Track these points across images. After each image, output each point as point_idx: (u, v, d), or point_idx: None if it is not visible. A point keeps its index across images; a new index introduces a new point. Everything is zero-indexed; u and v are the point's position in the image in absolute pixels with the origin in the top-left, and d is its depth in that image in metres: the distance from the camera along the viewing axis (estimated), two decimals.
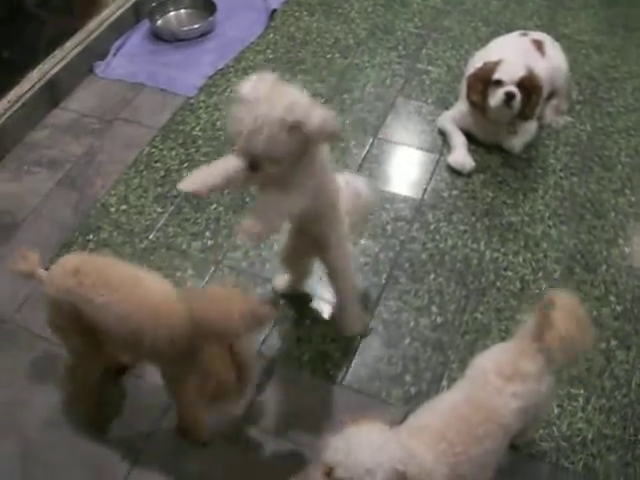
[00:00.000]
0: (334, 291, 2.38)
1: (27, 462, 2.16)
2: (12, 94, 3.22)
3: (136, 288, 1.91)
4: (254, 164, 1.77)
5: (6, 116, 3.16)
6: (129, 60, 3.67)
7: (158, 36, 3.81)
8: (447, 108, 3.33)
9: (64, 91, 3.48)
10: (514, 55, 3.05)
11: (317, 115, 1.73)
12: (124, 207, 2.92)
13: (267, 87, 1.75)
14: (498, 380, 1.79)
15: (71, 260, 1.99)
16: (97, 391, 2.22)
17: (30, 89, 3.29)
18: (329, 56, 3.68)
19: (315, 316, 2.56)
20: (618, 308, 2.58)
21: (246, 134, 1.71)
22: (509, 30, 3.53)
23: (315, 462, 1.65)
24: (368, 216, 2.57)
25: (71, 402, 2.26)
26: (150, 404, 2.27)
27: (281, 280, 2.58)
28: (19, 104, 3.22)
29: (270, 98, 1.71)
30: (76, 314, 1.92)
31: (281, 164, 1.77)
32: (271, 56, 3.68)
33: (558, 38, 3.46)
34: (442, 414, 1.78)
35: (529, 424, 1.93)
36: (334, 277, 2.31)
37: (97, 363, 2.14)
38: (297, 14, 3.99)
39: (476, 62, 3.18)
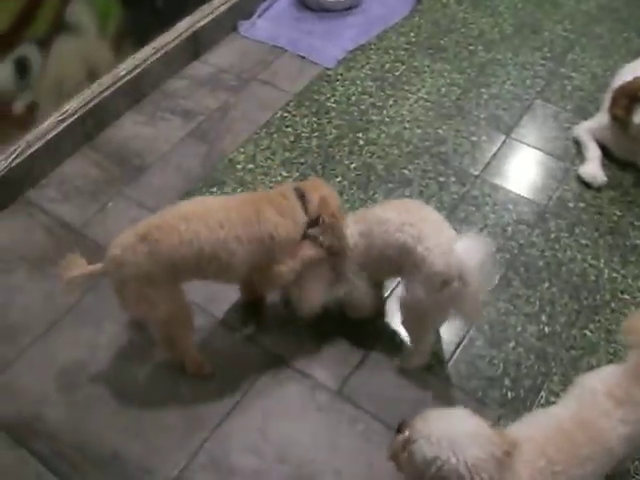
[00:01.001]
0: None
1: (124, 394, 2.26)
2: (158, 41, 3.32)
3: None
4: None
5: (149, 62, 3.26)
6: (273, 23, 3.72)
7: (304, 4, 3.84)
8: (585, 118, 3.23)
9: (207, 45, 3.56)
10: None
11: None
12: (251, 166, 2.97)
13: None
14: (608, 402, 1.74)
15: (135, 230, 2.01)
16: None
17: (175, 39, 3.38)
18: (472, 47, 3.63)
19: None
20: None
21: None
22: None
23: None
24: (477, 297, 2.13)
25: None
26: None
27: None
28: (162, 52, 3.32)
29: None
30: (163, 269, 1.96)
31: None
32: (414, 39, 3.65)
33: None
34: (545, 428, 1.73)
35: (631, 454, 1.87)
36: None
37: (189, 319, 2.17)
38: (445, 0, 3.94)
39: (625, 75, 3.06)
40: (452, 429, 1.54)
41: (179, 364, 2.28)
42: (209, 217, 1.99)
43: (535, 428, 1.75)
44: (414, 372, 2.33)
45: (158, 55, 3.30)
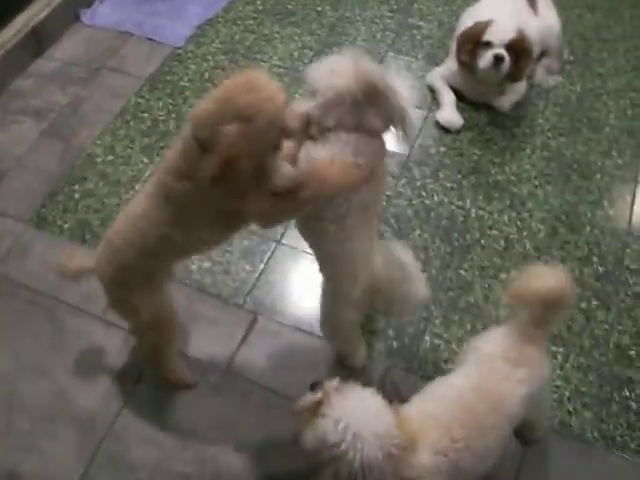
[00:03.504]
0: None
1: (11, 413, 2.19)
2: None
3: None
4: None
5: None
6: (116, 8, 3.61)
7: None
8: (437, 64, 3.30)
9: (49, 39, 3.43)
10: (505, 15, 3.00)
11: None
12: (110, 157, 2.90)
13: None
14: (506, 366, 1.75)
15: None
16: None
17: (14, 36, 3.24)
18: (319, 9, 3.63)
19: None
20: (600, 269, 2.61)
21: None
22: None
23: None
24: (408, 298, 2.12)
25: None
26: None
27: None
28: (3, 51, 3.18)
29: None
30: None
31: None
32: (260, 7, 3.63)
33: None
34: (448, 403, 1.72)
35: (533, 413, 1.91)
36: None
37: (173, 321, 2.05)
38: None
39: (467, 20, 3.14)
40: (360, 420, 1.52)
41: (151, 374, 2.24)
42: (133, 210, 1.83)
43: (437, 404, 1.73)
44: (302, 337, 2.36)
45: None
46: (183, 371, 2.24)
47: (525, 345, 1.79)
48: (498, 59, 2.88)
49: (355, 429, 1.49)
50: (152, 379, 2.26)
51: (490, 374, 1.76)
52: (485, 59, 2.91)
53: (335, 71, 1.68)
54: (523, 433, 2.10)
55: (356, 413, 1.53)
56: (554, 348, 2.37)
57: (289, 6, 3.64)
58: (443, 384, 1.82)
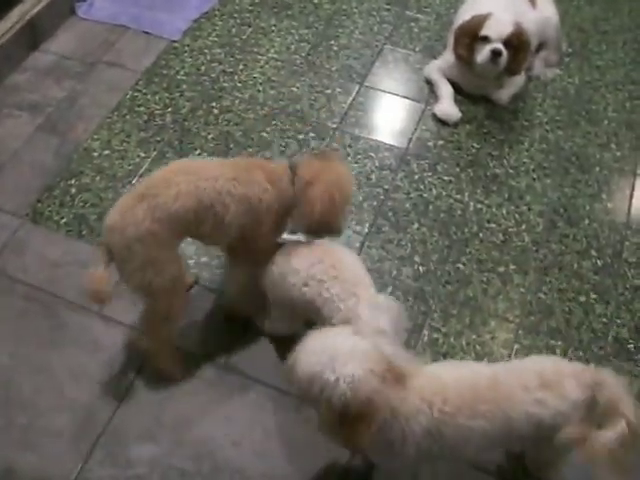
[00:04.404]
0: None
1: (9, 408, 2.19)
2: None
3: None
4: None
5: None
6: (112, 2, 3.57)
7: None
8: (435, 57, 3.29)
9: (45, 32, 3.40)
10: (503, 8, 2.99)
11: None
12: (107, 152, 2.88)
13: None
14: (534, 380, 1.71)
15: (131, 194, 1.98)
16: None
17: (9, 30, 3.20)
18: (316, 1, 3.61)
19: None
20: (599, 262, 2.60)
21: None
22: None
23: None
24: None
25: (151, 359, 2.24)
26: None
27: None
28: None
29: None
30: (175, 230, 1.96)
31: None
32: (257, 0, 3.60)
33: None
34: (459, 374, 1.74)
35: (545, 452, 1.88)
36: None
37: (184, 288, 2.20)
38: None
39: (465, 13, 3.12)
40: (331, 346, 1.61)
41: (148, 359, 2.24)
42: (204, 170, 2.00)
43: (450, 371, 1.77)
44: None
45: None
46: (175, 360, 2.25)
47: (568, 378, 1.72)
48: (496, 54, 2.87)
49: (328, 354, 1.58)
50: (150, 375, 2.25)
51: (513, 375, 1.74)
52: (483, 54, 2.90)
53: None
54: (532, 469, 2.05)
55: (325, 343, 1.63)
56: (552, 342, 2.36)
57: None
58: (467, 363, 1.89)
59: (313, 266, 2.03)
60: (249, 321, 2.36)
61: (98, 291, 1.93)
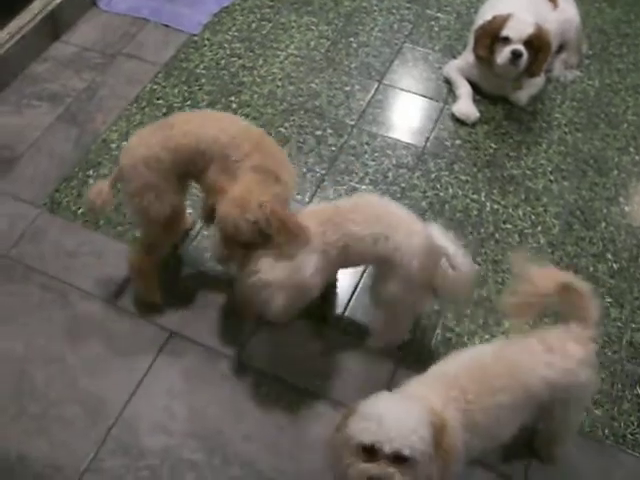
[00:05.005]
0: None
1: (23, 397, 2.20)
2: (12, 25, 3.17)
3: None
4: None
5: (6, 47, 3.11)
6: None
7: None
8: (454, 56, 3.29)
9: (66, 24, 3.42)
10: (524, 9, 2.98)
11: None
12: (125, 143, 2.86)
13: None
14: (539, 346, 1.74)
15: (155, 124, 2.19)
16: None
17: (31, 21, 3.23)
18: None
19: None
20: (615, 266, 2.59)
21: None
22: None
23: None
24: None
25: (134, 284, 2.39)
26: None
27: None
28: (19, 36, 3.16)
29: None
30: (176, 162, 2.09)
31: None
32: None
33: None
34: (462, 361, 1.77)
35: (556, 420, 1.90)
36: None
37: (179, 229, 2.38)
38: None
39: (486, 13, 3.10)
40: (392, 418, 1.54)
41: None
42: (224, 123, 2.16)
43: (451, 364, 1.78)
44: (309, 327, 2.36)
45: (15, 40, 3.14)
46: (156, 285, 2.37)
47: (570, 341, 1.76)
48: (516, 55, 2.86)
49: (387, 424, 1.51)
50: (163, 366, 2.26)
51: (516, 346, 1.78)
52: (503, 55, 2.89)
53: None
54: (541, 446, 2.07)
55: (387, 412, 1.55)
56: None
57: None
58: (464, 351, 1.86)
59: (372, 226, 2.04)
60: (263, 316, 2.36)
61: (93, 201, 2.11)
